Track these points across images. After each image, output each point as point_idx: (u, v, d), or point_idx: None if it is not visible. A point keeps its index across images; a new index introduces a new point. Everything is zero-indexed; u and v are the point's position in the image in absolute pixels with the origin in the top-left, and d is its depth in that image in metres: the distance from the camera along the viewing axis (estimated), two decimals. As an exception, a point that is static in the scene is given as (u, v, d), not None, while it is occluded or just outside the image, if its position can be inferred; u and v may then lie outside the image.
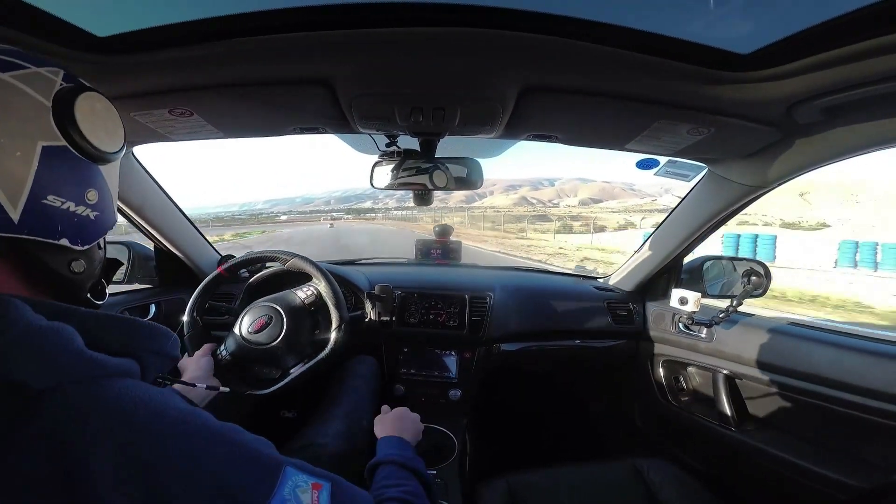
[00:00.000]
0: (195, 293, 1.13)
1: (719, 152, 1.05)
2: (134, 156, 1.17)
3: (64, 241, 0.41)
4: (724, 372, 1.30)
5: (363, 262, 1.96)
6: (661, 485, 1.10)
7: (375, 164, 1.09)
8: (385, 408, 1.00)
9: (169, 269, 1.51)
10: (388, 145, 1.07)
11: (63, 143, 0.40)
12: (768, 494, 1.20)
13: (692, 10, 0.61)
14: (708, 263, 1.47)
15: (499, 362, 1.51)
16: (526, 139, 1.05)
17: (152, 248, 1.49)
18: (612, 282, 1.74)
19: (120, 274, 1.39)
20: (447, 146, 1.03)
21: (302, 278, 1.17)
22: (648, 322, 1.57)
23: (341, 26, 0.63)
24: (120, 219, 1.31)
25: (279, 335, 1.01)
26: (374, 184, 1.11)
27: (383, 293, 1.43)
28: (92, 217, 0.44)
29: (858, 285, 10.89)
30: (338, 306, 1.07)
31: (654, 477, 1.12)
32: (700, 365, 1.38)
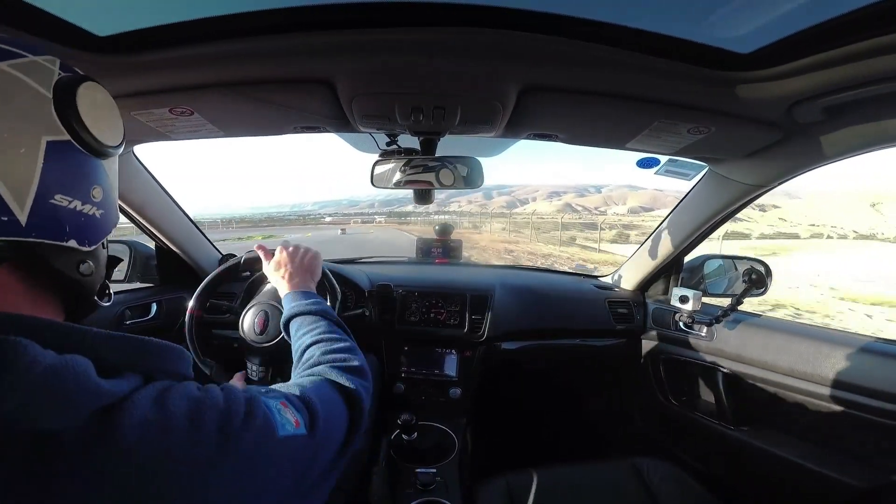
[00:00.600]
0: (196, 292, 1.13)
1: (720, 151, 1.05)
2: (135, 155, 1.18)
3: (72, 243, 0.39)
4: (725, 371, 1.30)
5: (364, 260, 1.96)
6: (660, 484, 1.10)
7: (376, 164, 1.09)
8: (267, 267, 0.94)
9: (170, 268, 1.52)
10: (388, 144, 1.07)
11: (67, 137, 0.38)
12: (768, 494, 1.20)
13: (693, 9, 0.61)
14: (709, 262, 1.47)
15: (499, 361, 1.51)
16: (526, 138, 1.05)
17: (153, 247, 1.50)
18: (612, 280, 1.74)
19: (120, 273, 1.39)
20: (447, 145, 1.04)
21: None
22: (649, 321, 1.57)
23: (342, 26, 0.63)
24: (127, 220, 1.32)
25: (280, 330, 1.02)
26: (374, 183, 1.11)
27: (384, 292, 1.43)
28: (98, 216, 0.42)
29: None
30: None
31: (654, 476, 1.12)
32: (700, 364, 1.38)
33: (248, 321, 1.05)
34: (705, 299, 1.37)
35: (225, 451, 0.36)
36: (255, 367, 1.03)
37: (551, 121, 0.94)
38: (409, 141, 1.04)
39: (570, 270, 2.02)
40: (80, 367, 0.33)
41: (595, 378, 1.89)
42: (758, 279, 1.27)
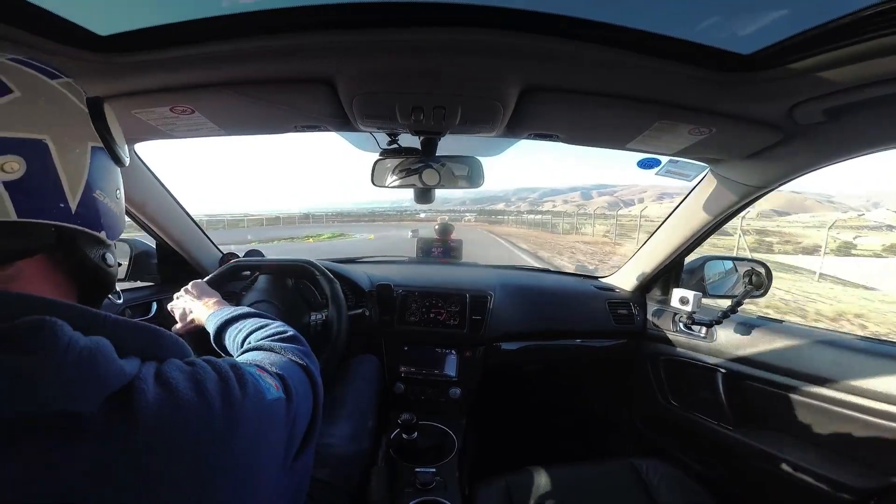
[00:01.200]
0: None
1: (721, 152, 1.04)
2: (135, 153, 1.18)
3: (102, 234, 0.45)
4: (724, 372, 1.30)
5: (364, 260, 1.96)
6: (659, 485, 1.10)
7: (376, 163, 1.09)
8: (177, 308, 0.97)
9: (170, 267, 1.52)
10: (389, 143, 1.07)
11: (100, 144, 0.45)
12: (767, 495, 1.20)
13: (694, 10, 0.61)
14: (709, 263, 1.47)
15: (499, 361, 1.51)
16: (527, 138, 1.05)
17: (154, 246, 1.50)
18: (612, 281, 1.74)
19: (121, 271, 1.39)
20: (448, 144, 1.04)
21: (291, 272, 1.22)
22: (649, 322, 1.57)
23: (342, 26, 0.63)
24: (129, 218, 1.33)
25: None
26: (374, 182, 1.11)
27: (384, 292, 1.43)
28: (118, 214, 0.48)
29: None
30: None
31: (653, 477, 1.12)
32: (700, 365, 1.38)
33: None
34: (705, 300, 1.37)
35: (234, 420, 0.39)
36: None
37: (552, 121, 0.94)
38: (409, 140, 1.05)
39: (571, 271, 2.01)
40: (106, 349, 0.35)
41: (595, 379, 1.89)
42: (758, 281, 1.26)
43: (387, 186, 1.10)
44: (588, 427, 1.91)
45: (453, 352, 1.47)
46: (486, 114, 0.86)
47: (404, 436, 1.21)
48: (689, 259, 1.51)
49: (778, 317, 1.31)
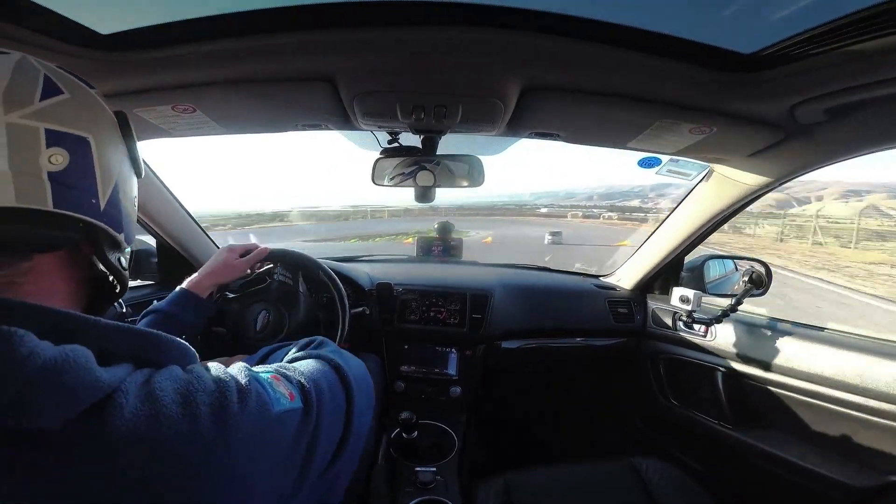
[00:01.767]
0: None
1: (721, 152, 1.04)
2: None
3: (121, 237, 0.46)
4: (724, 371, 1.30)
5: (365, 258, 1.96)
6: (658, 483, 1.10)
7: (377, 161, 1.09)
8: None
9: (171, 266, 1.52)
10: (389, 142, 1.07)
11: (126, 152, 0.47)
12: (766, 494, 1.20)
13: (695, 9, 0.61)
14: (709, 262, 1.47)
15: (499, 360, 1.51)
16: (528, 137, 1.05)
17: (154, 245, 1.50)
18: (613, 280, 1.74)
19: None
20: (448, 143, 1.04)
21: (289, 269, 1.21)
22: (649, 320, 1.57)
23: (343, 25, 0.63)
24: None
25: (283, 325, 1.02)
26: (375, 181, 1.11)
27: (385, 291, 1.43)
28: (134, 220, 0.50)
29: None
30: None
31: (652, 476, 1.13)
32: (700, 364, 1.38)
33: (251, 319, 1.05)
34: (705, 299, 1.37)
35: (221, 439, 0.36)
36: None
37: (552, 120, 0.94)
38: (410, 139, 1.05)
39: (571, 270, 2.01)
40: (80, 359, 0.32)
41: (595, 378, 1.89)
42: (758, 279, 1.27)
43: (387, 185, 1.10)
44: (588, 426, 1.91)
45: (453, 350, 1.48)
46: (487, 113, 0.86)
47: (404, 434, 1.21)
48: (689, 258, 1.51)
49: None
